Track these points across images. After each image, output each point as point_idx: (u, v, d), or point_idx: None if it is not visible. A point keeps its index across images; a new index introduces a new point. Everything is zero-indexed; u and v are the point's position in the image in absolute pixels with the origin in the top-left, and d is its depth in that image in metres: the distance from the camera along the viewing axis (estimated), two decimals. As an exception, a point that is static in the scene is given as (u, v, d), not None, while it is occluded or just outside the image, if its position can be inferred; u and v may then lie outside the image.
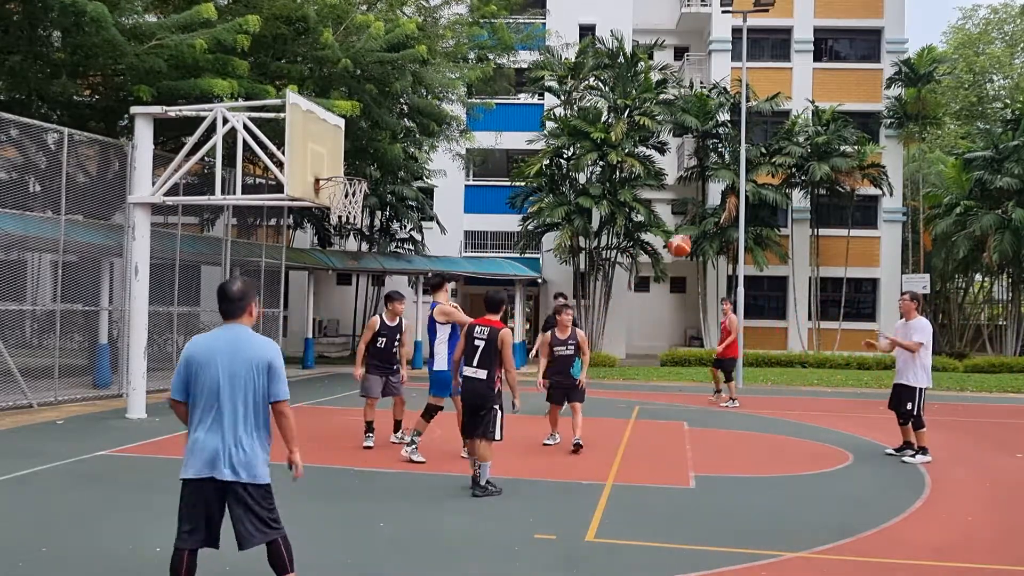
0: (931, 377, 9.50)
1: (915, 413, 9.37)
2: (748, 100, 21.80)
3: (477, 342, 7.28)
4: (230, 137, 11.51)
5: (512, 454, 9.43)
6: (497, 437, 7.27)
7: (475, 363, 7.24)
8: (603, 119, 24.75)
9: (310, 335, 22.09)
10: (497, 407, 7.28)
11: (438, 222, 26.69)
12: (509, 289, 24.41)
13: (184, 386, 4.21)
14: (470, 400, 7.32)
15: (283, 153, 10.80)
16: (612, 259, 25.82)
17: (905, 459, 9.46)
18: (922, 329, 9.34)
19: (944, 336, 32.75)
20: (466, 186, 28.45)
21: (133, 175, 11.99)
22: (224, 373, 4.14)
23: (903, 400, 9.46)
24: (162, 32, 12.76)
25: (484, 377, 7.22)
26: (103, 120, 15.71)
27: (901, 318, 9.79)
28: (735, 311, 16.14)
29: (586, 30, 27.63)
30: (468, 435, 7.52)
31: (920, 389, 9.37)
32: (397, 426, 9.94)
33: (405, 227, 26.78)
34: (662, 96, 25.35)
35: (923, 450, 9.48)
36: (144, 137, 11.65)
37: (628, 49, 25.23)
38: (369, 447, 9.41)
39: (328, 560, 5.40)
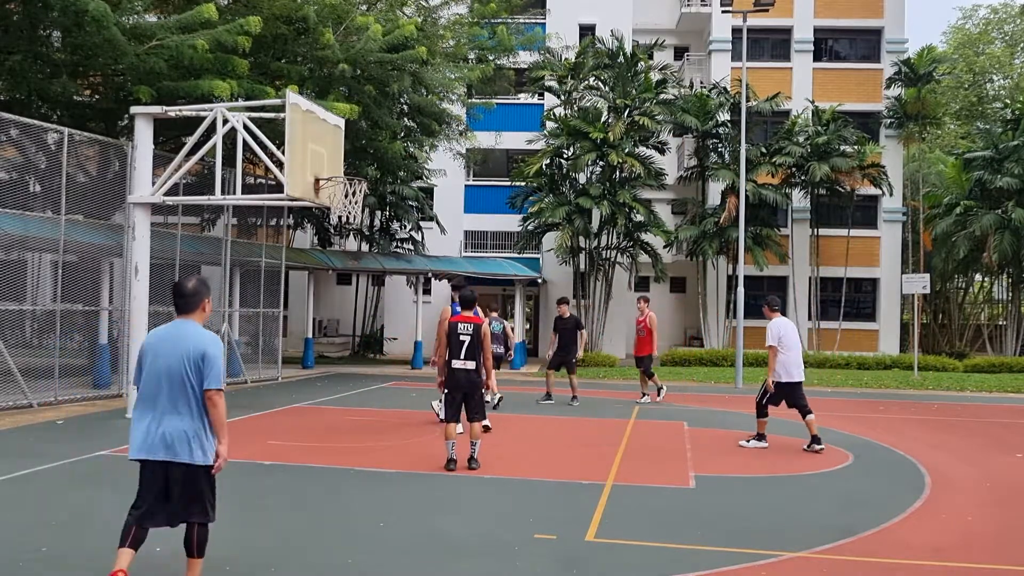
0: (794, 372, 9.90)
1: (762, 401, 10.05)
2: (748, 100, 21.81)
3: (463, 337, 8.16)
4: (230, 137, 11.51)
5: (512, 454, 9.44)
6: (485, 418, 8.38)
7: (463, 356, 8.13)
8: (603, 119, 24.75)
9: (310, 335, 22.11)
10: (482, 392, 8.36)
11: (438, 222, 26.68)
12: (508, 289, 24.46)
13: (137, 374, 4.60)
14: (463, 388, 8.16)
15: (283, 153, 10.80)
16: (612, 259, 25.82)
17: (746, 444, 10.13)
18: (768, 331, 9.95)
19: (944, 336, 32.77)
20: (466, 186, 28.44)
21: (133, 175, 11.99)
22: (164, 363, 4.46)
23: (788, 397, 10.01)
24: (162, 32, 12.75)
25: (473, 367, 8.15)
26: (103, 120, 15.70)
27: None
28: (735, 311, 16.12)
29: (586, 30, 27.63)
30: (456, 419, 8.29)
31: (784, 384, 9.90)
32: None
33: (405, 227, 26.78)
34: (662, 96, 25.35)
35: (760, 436, 10.17)
36: (144, 137, 11.65)
37: (628, 49, 25.23)
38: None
39: (328, 560, 5.40)
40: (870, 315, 28.34)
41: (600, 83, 25.41)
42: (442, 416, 10.09)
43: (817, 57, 28.79)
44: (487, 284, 26.26)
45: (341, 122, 12.16)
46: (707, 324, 27.17)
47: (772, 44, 28.96)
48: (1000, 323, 32.47)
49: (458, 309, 9.63)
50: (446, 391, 8.33)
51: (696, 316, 28.48)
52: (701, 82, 29.11)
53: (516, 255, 26.60)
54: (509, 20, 22.54)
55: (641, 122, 24.17)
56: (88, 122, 15.27)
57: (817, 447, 9.82)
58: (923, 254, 29.68)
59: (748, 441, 10.22)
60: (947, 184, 30.27)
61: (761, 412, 10.16)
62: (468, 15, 20.81)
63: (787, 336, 9.85)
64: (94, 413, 12.05)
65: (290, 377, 18.43)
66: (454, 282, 10.66)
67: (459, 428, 8.54)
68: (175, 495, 4.48)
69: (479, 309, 8.97)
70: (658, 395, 15.02)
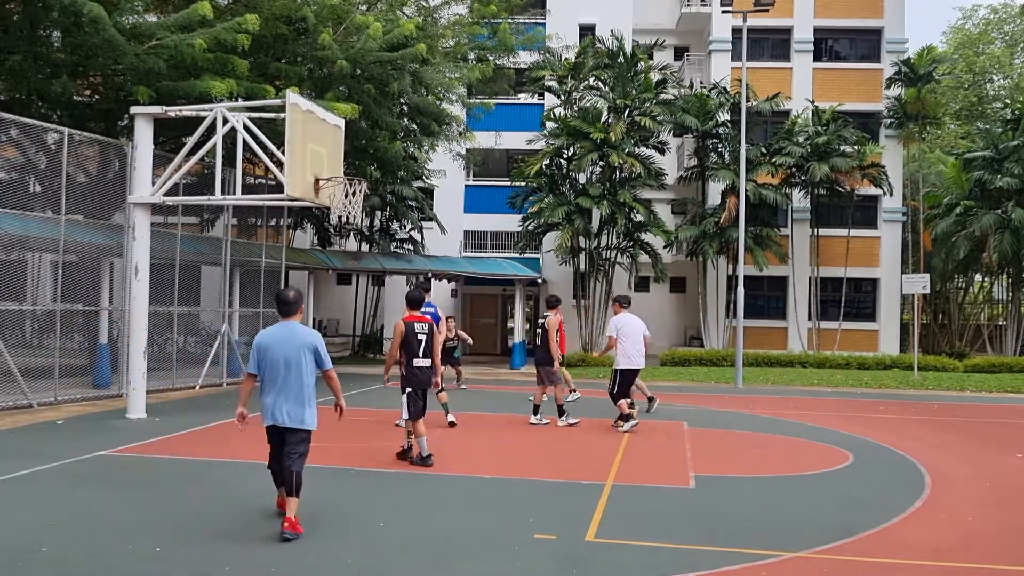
0: (634, 359, 11.16)
1: (613, 390, 11.26)
2: (748, 100, 21.81)
3: (421, 336, 8.40)
4: (230, 137, 11.51)
5: (512, 454, 9.44)
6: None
7: (421, 354, 8.38)
8: (603, 119, 24.73)
9: (310, 335, 22.05)
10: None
11: (438, 222, 26.67)
12: (508, 289, 24.44)
13: (256, 365, 6.07)
14: (424, 385, 8.45)
15: (283, 153, 10.80)
16: (612, 259, 25.81)
17: (622, 428, 11.01)
18: (610, 324, 11.25)
19: (944, 336, 32.75)
20: (466, 186, 28.43)
21: (133, 175, 12.00)
22: (282, 355, 5.99)
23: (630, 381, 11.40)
24: (162, 32, 12.75)
25: (429, 364, 8.48)
26: (103, 120, 15.70)
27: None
28: (735, 311, 16.03)
29: (586, 30, 27.62)
30: (423, 414, 8.52)
31: (617, 371, 11.18)
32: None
33: (405, 227, 26.77)
34: (662, 96, 25.31)
35: (626, 417, 11.08)
36: (144, 137, 11.65)
37: (628, 49, 25.21)
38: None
39: (328, 560, 5.40)
40: (870, 315, 28.33)
41: (600, 83, 25.38)
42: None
43: (817, 57, 28.76)
44: (487, 284, 26.27)
45: (341, 122, 12.16)
46: (707, 324, 27.16)
47: (772, 44, 28.94)
48: (1000, 323, 32.44)
49: (439, 314, 9.78)
50: (410, 389, 8.39)
51: (696, 316, 28.46)
52: (701, 82, 29.09)
53: (516, 255, 26.58)
54: (509, 20, 22.53)
55: (641, 122, 24.15)
56: (88, 122, 15.27)
57: (625, 424, 10.98)
58: (923, 254, 29.67)
59: (620, 425, 11.01)
60: (947, 184, 30.24)
61: (615, 400, 11.20)
62: (468, 15, 20.80)
63: (625, 327, 10.97)
64: (94, 413, 12.06)
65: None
66: (429, 280, 11.53)
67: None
68: (285, 450, 6.01)
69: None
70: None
